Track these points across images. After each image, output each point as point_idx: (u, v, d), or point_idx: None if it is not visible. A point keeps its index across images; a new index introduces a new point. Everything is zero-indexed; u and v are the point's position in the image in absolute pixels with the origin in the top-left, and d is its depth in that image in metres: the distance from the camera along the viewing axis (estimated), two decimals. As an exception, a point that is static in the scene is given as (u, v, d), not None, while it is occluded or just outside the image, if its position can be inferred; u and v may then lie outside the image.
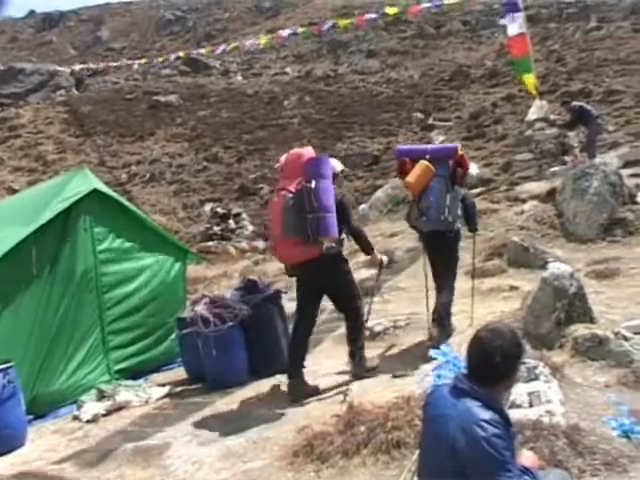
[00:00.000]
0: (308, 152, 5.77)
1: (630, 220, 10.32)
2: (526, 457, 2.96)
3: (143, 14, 67.88)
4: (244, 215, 20.29)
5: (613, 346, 5.42)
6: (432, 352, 5.34)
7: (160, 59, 31.07)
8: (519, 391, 4.52)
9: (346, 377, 5.87)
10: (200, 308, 6.50)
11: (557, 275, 6.03)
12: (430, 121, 28.26)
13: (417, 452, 3.27)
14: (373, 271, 9.11)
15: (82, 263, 6.89)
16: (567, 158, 15.17)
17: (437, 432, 2.75)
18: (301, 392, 5.70)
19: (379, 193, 16.19)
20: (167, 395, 6.57)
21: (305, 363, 5.90)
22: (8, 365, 5.62)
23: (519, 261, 9.39)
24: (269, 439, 4.91)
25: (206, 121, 33.19)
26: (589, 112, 15.19)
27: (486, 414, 2.62)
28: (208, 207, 22.30)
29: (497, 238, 10.56)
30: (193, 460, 4.84)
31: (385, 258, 6.27)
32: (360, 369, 5.84)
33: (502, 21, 16.93)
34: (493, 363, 2.72)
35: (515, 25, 15.26)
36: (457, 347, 5.56)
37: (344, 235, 5.82)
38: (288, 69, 42.43)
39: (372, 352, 6.47)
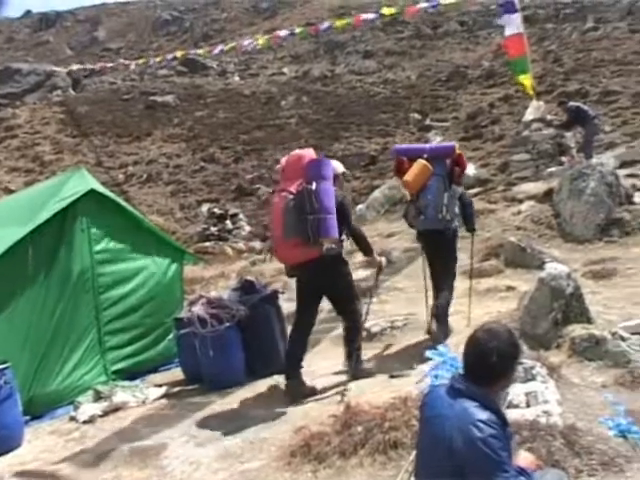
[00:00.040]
0: (309, 154, 5.79)
1: (627, 220, 10.34)
2: (523, 457, 2.96)
3: (140, 14, 67.85)
4: (241, 215, 20.28)
5: (610, 346, 5.43)
6: (429, 352, 5.35)
7: (157, 59, 30.99)
8: (516, 391, 4.53)
9: (343, 378, 5.86)
10: (197, 309, 6.49)
11: (554, 275, 6.04)
12: (427, 122, 28.28)
13: (414, 452, 3.27)
14: (370, 272, 9.15)
15: (79, 264, 6.88)
16: (564, 158, 15.19)
17: (434, 432, 2.75)
18: (299, 393, 5.70)
19: (376, 193, 16.20)
20: (164, 396, 6.56)
21: (302, 363, 5.90)
22: (5, 366, 5.61)
23: (516, 261, 9.40)
24: (266, 439, 4.91)
25: (203, 121, 33.19)
26: (586, 112, 15.21)
27: (483, 414, 2.62)
28: (205, 207, 22.27)
29: (494, 238, 10.57)
30: (190, 461, 4.83)
31: (384, 260, 6.27)
32: (357, 370, 5.84)
33: (499, 22, 16.94)
34: (489, 363, 2.72)
35: (512, 25, 15.27)
36: (454, 347, 5.56)
37: (344, 236, 5.82)
38: (285, 69, 42.44)
39: (369, 353, 6.48)
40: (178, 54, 31.11)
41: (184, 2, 67.56)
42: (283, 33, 24.06)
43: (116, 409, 6.28)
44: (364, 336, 6.40)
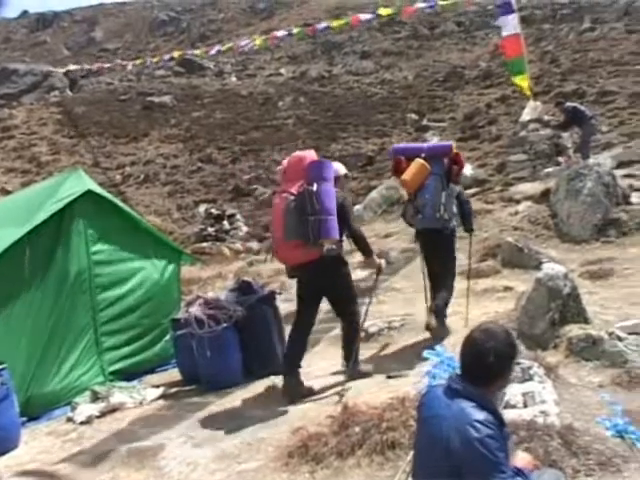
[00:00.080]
0: (310, 155, 5.81)
1: (624, 221, 10.35)
2: (521, 458, 2.96)
3: (137, 15, 67.83)
4: (238, 216, 20.27)
5: (607, 346, 5.43)
6: (426, 353, 5.35)
7: (154, 60, 30.99)
8: (513, 391, 4.53)
9: (341, 378, 5.86)
10: (194, 309, 6.49)
11: (551, 276, 6.04)
12: (424, 122, 28.31)
13: (412, 453, 3.27)
14: (368, 272, 9.15)
15: (76, 264, 6.87)
16: (561, 159, 15.20)
17: (431, 433, 2.75)
18: (297, 392, 5.70)
19: (373, 194, 16.20)
20: (161, 396, 6.55)
21: (301, 363, 5.90)
22: (2, 367, 5.59)
23: (513, 262, 9.41)
24: (264, 440, 4.90)
25: (200, 122, 33.19)
26: (583, 113, 15.23)
27: (480, 415, 2.63)
28: (202, 208, 22.28)
29: (491, 239, 10.59)
30: (188, 461, 4.83)
31: (384, 263, 6.28)
32: (354, 371, 5.84)
33: (496, 23, 16.96)
34: (486, 363, 2.72)
35: (509, 26, 15.29)
36: (452, 347, 5.56)
37: (344, 237, 5.83)
38: (282, 70, 42.46)
39: (366, 353, 6.49)
40: (175, 55, 31.16)
41: (181, 3, 67.54)
42: (280, 34, 24.06)
43: (113, 410, 6.26)
44: (362, 337, 6.41)
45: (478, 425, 2.59)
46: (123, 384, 6.82)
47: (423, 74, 36.53)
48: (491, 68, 33.26)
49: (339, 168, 6.06)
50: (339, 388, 5.59)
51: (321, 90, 36.60)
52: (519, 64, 15.55)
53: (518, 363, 4.72)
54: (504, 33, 15.61)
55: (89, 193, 7.17)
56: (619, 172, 12.19)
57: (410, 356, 6.18)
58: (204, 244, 17.92)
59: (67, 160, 29.04)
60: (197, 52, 33.63)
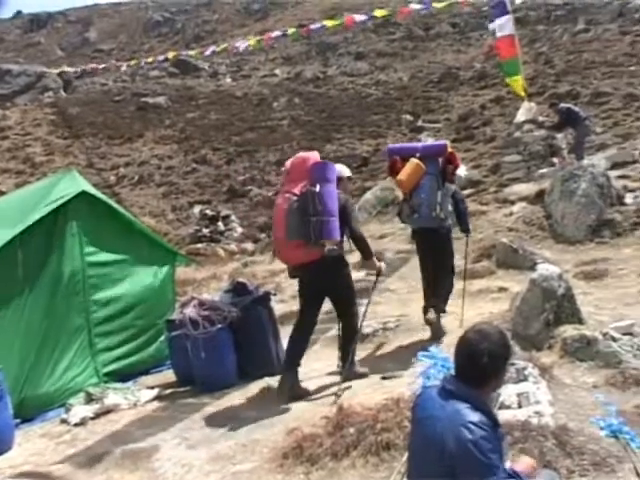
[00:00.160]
0: (314, 156, 5.85)
1: (618, 221, 10.38)
2: (523, 462, 2.96)
3: (131, 15, 67.70)
4: (233, 217, 20.26)
5: (601, 347, 5.45)
6: (421, 354, 5.36)
7: (149, 60, 30.96)
8: (508, 392, 4.54)
9: (336, 379, 5.86)
10: (189, 310, 6.48)
11: (546, 276, 6.06)
12: (419, 123, 28.32)
13: (406, 454, 3.27)
14: (363, 273, 9.16)
15: (69, 265, 6.85)
16: (555, 160, 15.23)
17: (426, 434, 2.75)
18: (293, 392, 5.70)
19: (368, 195, 16.20)
20: (156, 398, 6.54)
21: (301, 361, 5.90)
22: (-5, 368, 5.58)
23: (508, 262, 9.43)
24: (258, 441, 4.90)
25: (195, 123, 33.14)
26: (577, 114, 15.26)
27: (474, 416, 2.62)
28: (197, 209, 22.25)
29: (486, 239, 10.61)
30: (182, 463, 4.82)
31: (383, 265, 6.30)
32: (351, 372, 5.84)
33: (491, 25, 16.99)
34: (480, 364, 2.72)
35: (503, 27, 15.32)
36: (446, 348, 5.57)
37: (345, 238, 5.85)
38: (277, 71, 42.42)
39: (361, 354, 6.48)
40: (170, 55, 31.14)
41: (176, 3, 67.41)
42: (275, 34, 24.06)
43: (108, 411, 6.25)
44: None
45: (472, 427, 2.58)
46: (117, 385, 6.81)
47: (418, 75, 36.55)
48: (485, 69, 33.28)
49: (342, 170, 6.12)
50: (335, 389, 5.60)
51: (316, 91, 36.59)
52: (513, 65, 15.58)
53: (512, 364, 4.73)
54: (498, 34, 15.64)
55: (83, 194, 7.15)
56: (613, 173, 12.22)
57: (405, 357, 6.19)
58: (199, 245, 17.90)
59: (61, 161, 28.96)
60: (192, 53, 33.64)
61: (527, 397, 4.50)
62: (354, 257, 7.56)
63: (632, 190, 11.43)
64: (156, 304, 7.61)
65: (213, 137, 31.04)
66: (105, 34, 64.25)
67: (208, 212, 19.91)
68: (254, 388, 6.15)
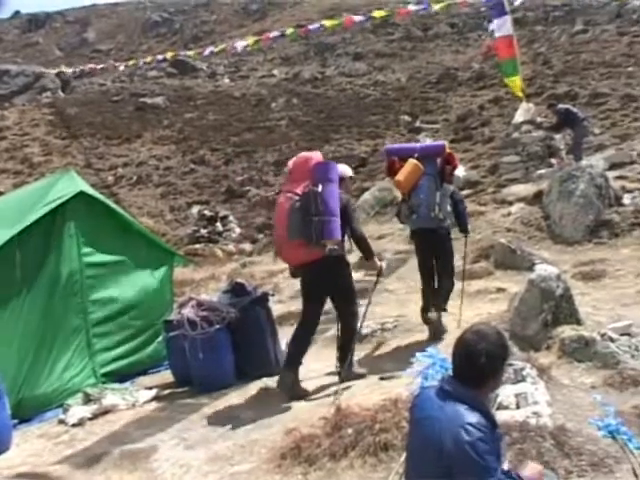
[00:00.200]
0: (316, 156, 5.86)
1: (616, 222, 10.39)
2: (529, 468, 2.96)
3: (129, 16, 67.63)
4: (231, 218, 20.26)
5: (599, 347, 5.45)
6: (419, 354, 5.36)
7: (147, 59, 30.89)
8: (506, 392, 4.54)
9: (334, 380, 5.86)
10: (187, 311, 6.48)
11: (544, 277, 6.06)
12: (417, 124, 28.33)
13: (404, 454, 3.27)
14: (361, 273, 9.15)
15: (67, 266, 6.84)
16: (553, 160, 15.24)
17: (424, 434, 2.75)
18: (294, 392, 5.70)
19: (366, 195, 16.19)
20: (154, 398, 6.53)
21: (302, 360, 5.91)
22: (-7, 369, 5.58)
23: (506, 263, 9.44)
24: (256, 442, 4.89)
25: (193, 123, 33.13)
26: (575, 115, 15.28)
27: (472, 417, 2.62)
28: (195, 210, 22.25)
29: (484, 240, 10.61)
30: (180, 463, 4.82)
31: (385, 264, 6.31)
32: (349, 373, 5.85)
33: (490, 27, 17.01)
34: (478, 364, 2.71)
35: (502, 28, 15.32)
36: (444, 349, 5.57)
37: (346, 238, 5.86)
38: (275, 71, 42.40)
39: (359, 354, 6.48)
40: (168, 56, 31.06)
41: (174, 4, 67.37)
42: (273, 34, 24.04)
43: (106, 412, 6.24)
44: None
45: (470, 428, 2.58)
46: (115, 386, 6.80)
47: (416, 76, 36.55)
48: (484, 70, 33.28)
49: (345, 170, 6.15)
50: (333, 389, 5.60)
51: (314, 91, 36.58)
52: (512, 66, 15.58)
53: (511, 364, 4.73)
54: (497, 34, 15.65)
55: (81, 194, 7.14)
56: (611, 174, 12.23)
57: (403, 357, 6.18)
58: (197, 246, 17.90)
59: (59, 161, 28.94)
60: (190, 53, 33.58)
61: (525, 398, 4.50)
62: (353, 257, 7.56)
63: (630, 191, 11.44)
64: (154, 305, 7.60)
65: (211, 137, 31.03)
66: (103, 34, 64.20)
67: (206, 212, 19.90)
68: (252, 389, 6.15)
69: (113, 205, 7.97)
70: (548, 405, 4.48)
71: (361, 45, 44.77)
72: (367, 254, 6.03)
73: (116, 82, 42.70)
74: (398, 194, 9.62)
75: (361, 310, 6.11)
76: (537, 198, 11.83)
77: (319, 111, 33.05)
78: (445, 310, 6.92)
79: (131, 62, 32.26)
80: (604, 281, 8.32)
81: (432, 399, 2.78)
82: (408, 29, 45.65)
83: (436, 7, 19.61)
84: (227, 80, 41.79)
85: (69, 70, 39.68)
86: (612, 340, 5.57)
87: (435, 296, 6.85)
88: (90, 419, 6.10)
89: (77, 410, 6.19)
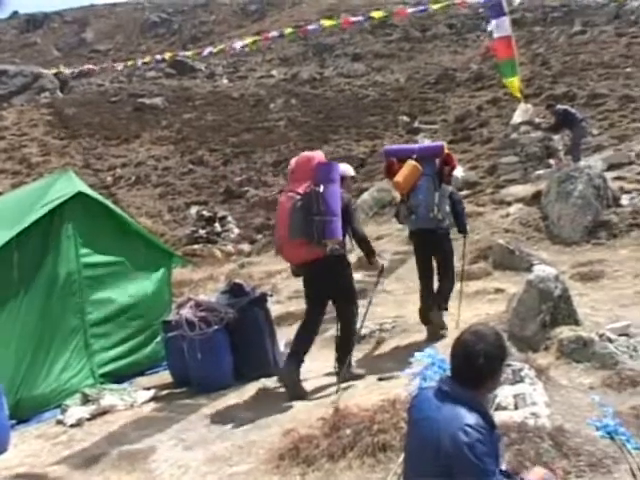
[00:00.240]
0: (319, 156, 5.90)
1: (614, 223, 10.40)
2: (535, 472, 2.96)
3: (128, 16, 67.64)
4: (230, 218, 20.27)
5: (598, 348, 5.45)
6: (418, 354, 5.36)
7: (146, 60, 30.90)
8: (504, 393, 4.54)
9: (332, 380, 5.86)
10: (185, 311, 6.47)
11: (542, 277, 6.06)
12: (416, 124, 28.34)
13: (403, 455, 3.26)
14: (360, 274, 9.15)
15: (65, 266, 6.83)
16: (552, 161, 15.25)
17: (422, 435, 2.75)
18: (295, 392, 5.70)
19: (365, 196, 16.21)
20: (152, 399, 6.53)
21: (304, 358, 5.92)
22: (-9, 369, 5.57)
23: (504, 264, 9.44)
24: (255, 443, 4.89)
25: (192, 124, 33.14)
26: (574, 115, 15.29)
27: (471, 418, 2.62)
28: (194, 210, 22.26)
29: (482, 241, 10.62)
30: (179, 464, 4.81)
31: (386, 263, 6.32)
32: (348, 374, 5.85)
33: (489, 27, 17.04)
34: (476, 365, 2.71)
35: (500, 28, 15.33)
36: (443, 349, 5.57)
37: (347, 238, 5.87)
38: (274, 72, 42.43)
39: (358, 355, 6.48)
40: (166, 56, 31.08)
41: (172, 4, 67.40)
42: (273, 34, 24.05)
43: (104, 412, 6.23)
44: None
45: (468, 429, 2.58)
46: (114, 386, 6.79)
47: (414, 76, 36.58)
48: (482, 70, 33.32)
49: (347, 169, 6.19)
50: (331, 390, 5.60)
51: (312, 92, 36.60)
52: (510, 66, 15.59)
53: (509, 365, 4.73)
54: (495, 35, 15.66)
55: (79, 195, 7.13)
56: (609, 174, 12.24)
57: (401, 358, 6.18)
58: (195, 246, 17.91)
59: (58, 161, 28.93)
60: (188, 54, 33.61)
61: (523, 398, 4.50)
62: (352, 258, 7.56)
63: (628, 191, 11.46)
64: (152, 305, 7.60)
65: (210, 138, 31.04)
66: (102, 34, 64.20)
67: (205, 213, 19.91)
68: (250, 389, 6.15)
69: (111, 205, 7.97)
70: (546, 406, 4.48)
71: (359, 46, 44.79)
72: (368, 253, 6.05)
73: (114, 82, 42.72)
74: (397, 195, 9.63)
75: (361, 311, 6.11)
76: (535, 199, 11.84)
77: (318, 112, 33.07)
78: (446, 309, 6.96)
79: (129, 62, 32.29)
80: (602, 282, 8.33)
81: (430, 400, 2.78)
82: (406, 30, 45.68)
83: (435, 7, 19.64)
84: (226, 81, 41.81)
85: (67, 70, 39.69)
86: (610, 341, 5.57)
87: (436, 295, 6.88)
88: (88, 420, 6.08)
89: (75, 411, 6.18)
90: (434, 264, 7.00)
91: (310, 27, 23.45)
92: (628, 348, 5.53)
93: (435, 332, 6.71)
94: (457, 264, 7.57)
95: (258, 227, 20.15)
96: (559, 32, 37.57)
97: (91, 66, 37.42)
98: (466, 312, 7.17)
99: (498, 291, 8.32)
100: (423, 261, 7.02)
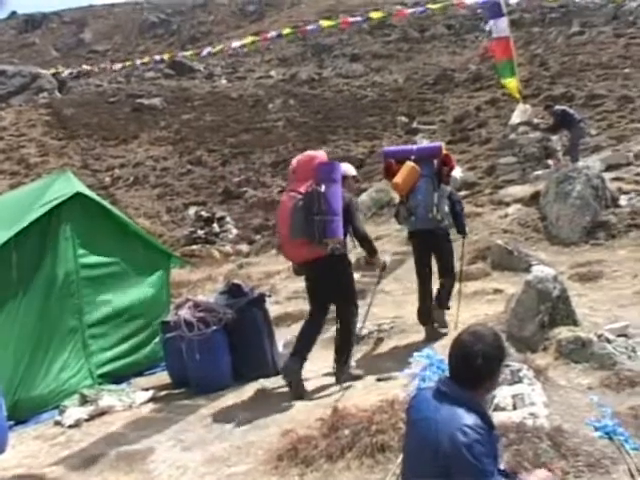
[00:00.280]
0: (321, 155, 5.91)
1: (613, 223, 10.41)
2: (537, 475, 2.95)
3: (127, 16, 67.65)
4: (228, 219, 20.27)
5: (596, 348, 5.45)
6: (416, 355, 5.36)
7: (145, 60, 30.90)
8: (503, 394, 4.54)
9: (331, 381, 5.86)
10: (184, 312, 6.47)
11: (541, 278, 6.06)
12: (414, 125, 28.37)
13: (401, 455, 3.26)
14: (359, 274, 9.15)
15: (63, 267, 6.82)
16: (550, 162, 15.26)
17: (421, 435, 2.74)
18: (297, 392, 5.70)
19: (363, 197, 16.20)
20: (151, 399, 6.52)
21: (307, 356, 5.92)
22: (-11, 370, 5.56)
23: (503, 264, 9.44)
24: (253, 443, 4.88)
25: (190, 124, 33.15)
26: (572, 116, 15.31)
27: (469, 419, 2.62)
28: (192, 211, 22.26)
29: (481, 241, 10.62)
30: (177, 465, 4.80)
31: (388, 260, 6.34)
32: (346, 375, 5.85)
33: (487, 27, 17.05)
34: (475, 366, 2.71)
35: (499, 29, 15.34)
36: (441, 350, 5.57)
37: (348, 237, 5.87)
38: (272, 72, 42.44)
39: (356, 355, 6.48)
40: (165, 57, 31.08)
41: (171, 5, 67.39)
42: (271, 35, 24.06)
43: (102, 413, 6.22)
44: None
45: (467, 430, 2.58)
46: (112, 387, 6.79)
47: (413, 77, 36.62)
48: (481, 71, 33.37)
49: (348, 169, 6.18)
50: (330, 391, 5.60)
51: (311, 93, 36.62)
52: (508, 67, 15.60)
53: (507, 365, 4.73)
54: (494, 36, 15.67)
55: (78, 195, 7.12)
56: (608, 175, 12.26)
57: (400, 358, 6.18)
58: (194, 247, 17.91)
59: (56, 162, 28.93)
60: (187, 54, 33.60)
61: (522, 399, 4.50)
62: (351, 258, 7.56)
63: (626, 192, 11.47)
64: (151, 306, 7.59)
65: (208, 138, 31.04)
66: (100, 35, 64.19)
67: (203, 214, 19.92)
68: (249, 390, 6.14)
69: (109, 206, 7.96)
70: (545, 406, 4.48)
71: (358, 46, 44.83)
72: (370, 251, 6.06)
73: (113, 83, 42.72)
74: (395, 195, 9.63)
75: (361, 311, 6.12)
76: (534, 199, 11.85)
77: (316, 112, 33.09)
78: (448, 308, 7.00)
79: (128, 63, 32.27)
80: (601, 282, 8.33)
81: (429, 400, 2.78)
82: (405, 30, 45.73)
83: (433, 7, 19.66)
84: (224, 81, 41.81)
85: (66, 71, 39.67)
86: (609, 341, 5.57)
87: (439, 295, 6.91)
88: (86, 420, 6.08)
89: (73, 411, 6.17)
90: (433, 265, 7.01)
91: (309, 27, 23.47)
92: (626, 349, 5.53)
93: (433, 333, 6.72)
94: (456, 264, 7.59)
95: (256, 228, 20.15)
96: (557, 33, 37.63)
97: (89, 67, 37.39)
98: (464, 313, 7.17)
99: (496, 292, 8.31)
100: (422, 262, 7.02)
